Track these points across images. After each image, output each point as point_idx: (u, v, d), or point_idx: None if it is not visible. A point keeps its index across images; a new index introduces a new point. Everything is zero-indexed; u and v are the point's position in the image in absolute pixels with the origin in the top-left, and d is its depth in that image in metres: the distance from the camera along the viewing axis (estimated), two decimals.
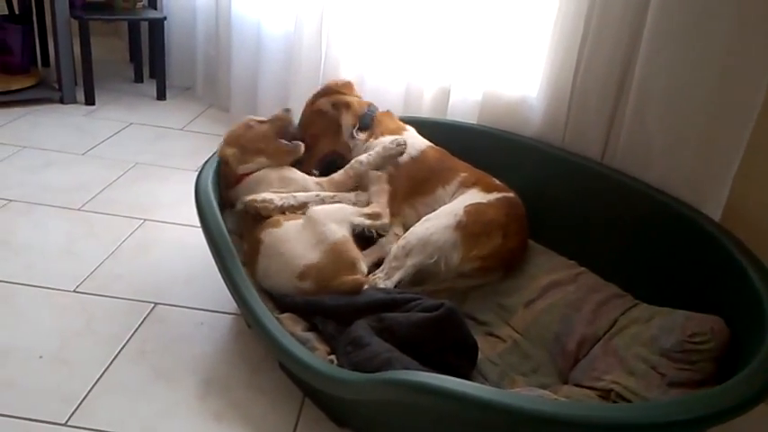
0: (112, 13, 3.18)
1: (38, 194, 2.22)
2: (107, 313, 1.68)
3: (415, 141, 1.86)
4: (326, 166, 1.87)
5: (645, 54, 1.65)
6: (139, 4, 3.26)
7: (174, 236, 2.07)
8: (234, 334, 1.66)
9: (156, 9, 3.30)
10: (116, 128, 2.86)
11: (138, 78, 3.49)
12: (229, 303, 1.69)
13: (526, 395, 1.21)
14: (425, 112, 2.32)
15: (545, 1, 1.93)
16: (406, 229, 1.70)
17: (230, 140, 1.77)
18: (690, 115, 1.59)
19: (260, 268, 1.59)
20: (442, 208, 1.73)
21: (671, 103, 1.62)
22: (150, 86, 3.33)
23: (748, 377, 1.11)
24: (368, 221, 1.67)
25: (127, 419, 1.36)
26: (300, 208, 1.66)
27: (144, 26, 3.39)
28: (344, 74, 2.45)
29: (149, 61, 3.46)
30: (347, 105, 1.90)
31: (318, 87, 1.98)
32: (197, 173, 1.71)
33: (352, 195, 1.73)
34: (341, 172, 1.78)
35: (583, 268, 1.69)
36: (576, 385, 1.38)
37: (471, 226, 1.65)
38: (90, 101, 3.07)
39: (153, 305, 1.72)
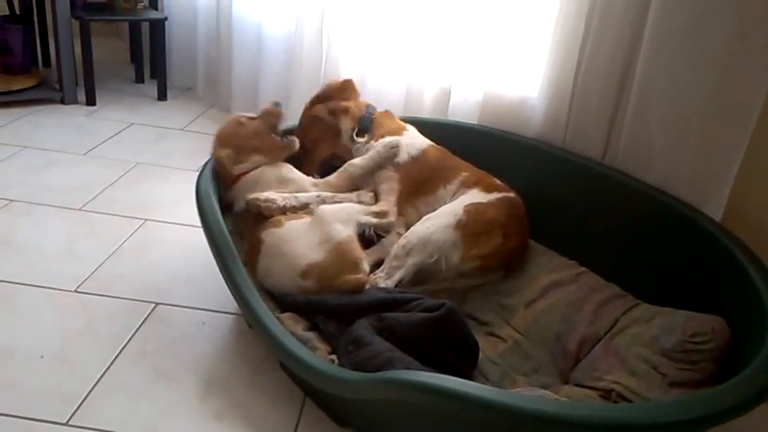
0: (113, 14, 3.19)
1: (39, 194, 2.22)
2: (108, 313, 1.68)
3: (416, 141, 1.86)
4: (327, 169, 1.87)
5: (646, 54, 1.65)
6: (140, 5, 3.26)
7: (174, 236, 2.07)
8: (235, 334, 1.66)
9: (156, 9, 3.30)
10: (117, 128, 2.86)
11: (139, 79, 3.50)
12: (230, 303, 1.69)
13: (527, 395, 1.21)
14: (426, 112, 2.33)
15: (546, 1, 1.93)
16: (407, 228, 1.70)
17: (223, 140, 1.75)
18: (691, 115, 1.59)
19: (261, 267, 1.59)
20: (442, 207, 1.73)
21: (672, 104, 1.62)
22: (151, 87, 3.33)
23: (749, 377, 1.11)
24: (374, 220, 1.67)
25: (128, 419, 1.36)
26: (302, 208, 1.66)
27: (145, 27, 3.40)
28: (345, 74, 2.44)
29: (150, 62, 3.45)
30: (345, 110, 1.90)
31: (317, 89, 1.97)
32: (198, 173, 1.71)
33: (353, 195, 1.73)
34: (335, 174, 1.78)
35: (584, 268, 1.69)
36: (577, 385, 1.38)
37: (471, 225, 1.65)
38: (91, 101, 3.07)
39: (154, 305, 1.72)
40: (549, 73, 1.93)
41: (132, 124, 2.92)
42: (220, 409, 1.41)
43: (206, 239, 1.54)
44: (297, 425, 1.40)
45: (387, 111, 1.97)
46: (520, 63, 2.05)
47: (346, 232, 1.58)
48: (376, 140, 1.83)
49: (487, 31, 2.08)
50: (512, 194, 1.79)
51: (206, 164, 1.74)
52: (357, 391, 1.22)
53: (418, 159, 1.81)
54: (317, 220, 1.60)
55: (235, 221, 1.70)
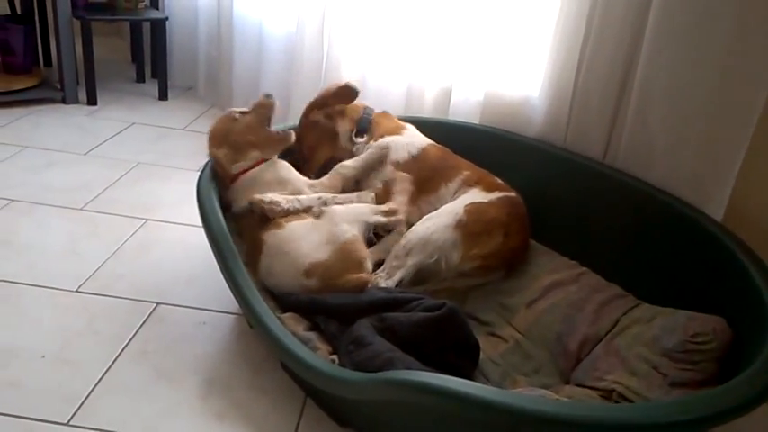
0: (114, 14, 3.19)
1: (40, 194, 2.22)
2: (109, 313, 1.68)
3: (416, 139, 1.86)
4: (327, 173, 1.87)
5: (647, 54, 1.65)
6: (141, 5, 3.26)
7: (175, 236, 2.07)
8: (236, 334, 1.66)
9: (157, 9, 3.30)
10: (118, 128, 2.86)
11: (140, 78, 3.50)
12: (231, 303, 1.69)
13: (528, 395, 1.21)
14: (427, 112, 2.33)
15: (547, 1, 1.93)
16: (409, 227, 1.70)
17: (218, 138, 1.73)
18: (692, 115, 1.59)
19: (263, 266, 1.59)
20: (442, 207, 1.73)
21: (673, 103, 1.62)
22: (152, 86, 3.33)
23: (750, 377, 1.10)
24: (384, 219, 1.67)
25: (129, 419, 1.36)
26: (305, 211, 1.66)
27: (146, 26, 3.40)
28: (346, 74, 2.45)
29: (151, 61, 3.45)
30: (341, 113, 1.90)
31: (314, 95, 1.95)
32: (199, 173, 1.71)
33: (353, 196, 1.73)
34: (328, 176, 1.77)
35: (585, 268, 1.69)
36: (578, 385, 1.38)
37: (472, 225, 1.65)
38: (92, 101, 3.08)
39: (155, 305, 1.73)
40: (550, 73, 1.93)
41: (133, 124, 2.92)
42: (221, 409, 1.42)
43: (207, 239, 1.54)
44: (298, 425, 1.40)
45: (384, 111, 1.97)
46: (521, 63, 2.05)
47: (351, 232, 1.59)
48: (375, 141, 1.84)
49: (488, 31, 2.08)
50: (513, 194, 1.79)
51: (207, 164, 1.74)
52: (358, 391, 1.22)
53: (419, 158, 1.81)
54: (326, 220, 1.60)
55: (234, 222, 1.69)
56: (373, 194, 1.74)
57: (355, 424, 1.39)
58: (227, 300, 1.66)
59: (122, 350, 1.56)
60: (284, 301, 1.54)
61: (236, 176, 1.71)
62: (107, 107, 3.09)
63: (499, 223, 1.68)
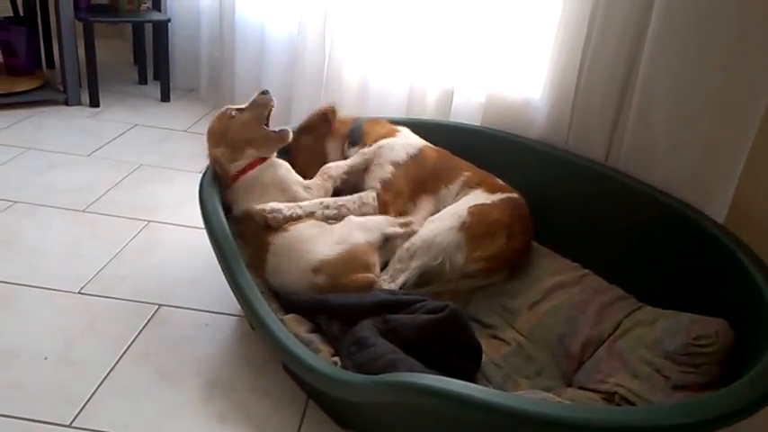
0: (117, 16, 3.20)
1: (42, 196, 2.23)
2: (111, 315, 1.68)
3: (411, 140, 1.87)
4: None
5: (648, 55, 1.65)
6: (144, 6, 3.26)
7: (178, 237, 2.07)
8: (238, 336, 1.66)
9: (160, 11, 3.31)
10: (120, 129, 2.87)
11: (143, 80, 3.50)
12: (233, 305, 1.69)
13: (530, 398, 1.21)
14: (429, 113, 2.33)
15: (548, 2, 1.93)
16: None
17: (216, 137, 1.72)
18: (694, 115, 1.59)
19: (270, 265, 1.59)
20: (446, 209, 1.73)
21: (675, 104, 1.62)
22: (154, 88, 3.33)
23: (753, 380, 1.10)
24: (401, 230, 1.67)
25: (131, 421, 1.36)
26: (308, 217, 1.66)
27: (148, 28, 3.41)
28: (348, 75, 2.45)
29: (153, 63, 3.46)
30: (330, 133, 1.91)
31: (300, 122, 1.94)
32: (201, 174, 1.71)
33: (355, 197, 1.73)
34: (318, 177, 1.76)
35: (587, 270, 1.69)
36: (581, 388, 1.38)
37: (475, 227, 1.65)
38: (94, 103, 3.08)
39: (157, 307, 1.73)
40: (551, 74, 1.93)
41: (136, 125, 2.93)
42: (223, 410, 1.42)
43: (209, 241, 1.54)
44: (299, 427, 1.40)
45: (375, 118, 1.97)
46: (522, 64, 2.05)
47: (365, 239, 1.60)
48: (369, 147, 1.85)
49: (490, 33, 2.08)
50: (515, 195, 1.79)
51: (209, 165, 1.74)
52: (360, 393, 1.22)
53: (417, 158, 1.81)
54: (342, 225, 1.62)
55: (235, 224, 1.69)
56: (374, 194, 1.74)
57: (357, 426, 1.39)
58: (230, 301, 1.66)
59: (124, 352, 1.56)
60: (287, 301, 1.54)
61: (236, 176, 1.70)
62: (109, 109, 3.09)
63: (502, 225, 1.68)
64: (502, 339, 1.56)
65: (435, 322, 1.39)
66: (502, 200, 1.74)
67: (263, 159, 1.73)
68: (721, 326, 1.33)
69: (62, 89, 3.07)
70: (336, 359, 1.37)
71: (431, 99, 2.33)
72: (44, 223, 2.07)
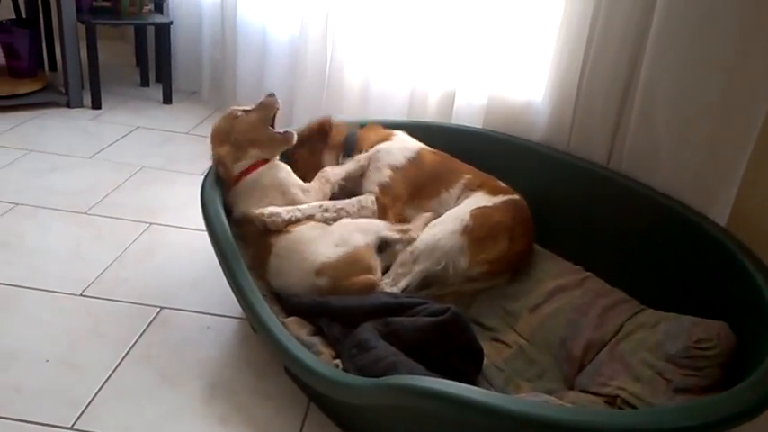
0: (119, 18, 3.20)
1: (44, 198, 2.23)
2: (113, 317, 1.68)
3: (408, 143, 1.87)
4: None
5: (650, 56, 1.65)
6: (146, 9, 3.27)
7: (180, 240, 2.07)
8: (239, 338, 1.66)
9: (162, 13, 3.31)
10: (122, 132, 2.87)
11: (145, 82, 3.51)
12: (235, 307, 1.69)
13: (531, 401, 1.21)
14: (430, 116, 2.33)
15: (550, 4, 1.93)
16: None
17: (221, 137, 1.72)
18: (696, 117, 1.59)
19: (272, 266, 1.60)
20: (448, 212, 1.73)
21: (677, 106, 1.62)
22: (156, 90, 3.34)
23: (754, 383, 1.10)
24: (398, 235, 1.67)
25: (132, 423, 1.37)
26: (308, 220, 1.66)
27: (150, 30, 3.42)
28: (349, 78, 2.46)
29: (155, 65, 3.47)
30: (325, 144, 1.90)
31: (301, 128, 1.93)
32: (203, 177, 1.72)
33: (354, 201, 1.73)
34: (315, 181, 1.77)
35: (588, 273, 1.69)
36: (582, 391, 1.38)
37: (478, 230, 1.65)
38: (96, 105, 3.09)
39: (159, 309, 1.73)
40: (553, 76, 1.93)
41: (138, 128, 2.93)
42: (224, 413, 1.42)
43: (211, 243, 1.54)
44: (301, 430, 1.40)
45: (369, 124, 1.97)
46: (524, 66, 2.06)
47: (365, 241, 1.60)
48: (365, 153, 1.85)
49: (492, 35, 2.08)
50: (516, 196, 1.79)
51: (211, 168, 1.74)
52: (361, 396, 1.22)
53: (415, 161, 1.82)
54: (340, 227, 1.62)
55: (236, 227, 1.69)
56: (373, 198, 1.74)
57: (359, 429, 1.39)
58: (231, 304, 1.66)
59: (126, 354, 1.56)
60: (288, 304, 1.54)
61: (239, 177, 1.70)
62: (111, 111, 3.09)
63: (504, 227, 1.68)
64: (503, 342, 1.56)
65: (436, 325, 1.39)
66: (504, 202, 1.74)
67: (266, 161, 1.73)
68: (723, 329, 1.33)
69: (64, 91, 3.07)
70: (338, 362, 1.37)
71: (432, 101, 2.33)
72: (46, 225, 2.08)
